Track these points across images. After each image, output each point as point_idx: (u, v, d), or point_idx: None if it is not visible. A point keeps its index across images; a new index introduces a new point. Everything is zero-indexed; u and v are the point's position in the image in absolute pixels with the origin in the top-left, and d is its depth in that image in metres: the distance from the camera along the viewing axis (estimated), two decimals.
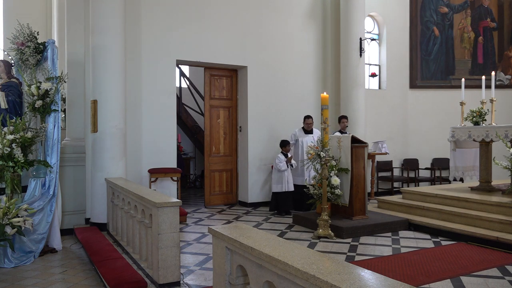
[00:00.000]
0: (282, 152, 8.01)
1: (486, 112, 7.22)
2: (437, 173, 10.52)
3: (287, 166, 7.88)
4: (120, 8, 6.75)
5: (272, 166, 8.49)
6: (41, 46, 5.94)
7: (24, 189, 5.61)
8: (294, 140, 8.37)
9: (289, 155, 7.95)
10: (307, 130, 8.39)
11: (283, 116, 9.17)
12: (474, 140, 7.00)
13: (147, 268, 4.49)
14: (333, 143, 6.75)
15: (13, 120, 5.45)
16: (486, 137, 6.72)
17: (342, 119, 8.69)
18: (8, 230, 4.71)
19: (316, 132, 8.20)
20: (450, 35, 11.22)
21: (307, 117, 8.42)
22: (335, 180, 6.39)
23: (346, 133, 8.38)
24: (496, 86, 7.96)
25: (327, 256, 2.27)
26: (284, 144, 8.04)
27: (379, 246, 5.70)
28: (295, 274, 2.02)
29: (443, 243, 5.82)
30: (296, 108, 9.24)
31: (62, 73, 6.09)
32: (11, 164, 5.22)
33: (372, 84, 10.87)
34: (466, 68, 11.19)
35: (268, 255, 2.24)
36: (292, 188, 7.99)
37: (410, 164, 10.69)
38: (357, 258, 5.14)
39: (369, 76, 10.54)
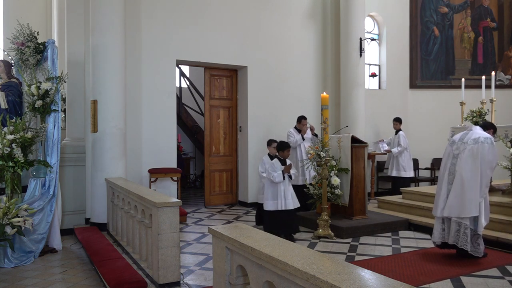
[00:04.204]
0: (277, 158, 6.18)
1: (486, 112, 7.23)
2: (437, 173, 10.46)
3: (284, 177, 5.98)
4: (120, 8, 6.75)
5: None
6: (41, 46, 5.94)
7: (24, 189, 5.61)
8: (295, 140, 7.80)
9: (288, 162, 6.16)
10: (300, 131, 7.94)
11: (283, 116, 9.16)
12: None
13: (147, 268, 4.50)
14: (333, 143, 6.75)
15: (13, 120, 5.45)
16: None
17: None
18: (8, 230, 4.71)
19: (308, 133, 8.06)
20: (450, 35, 11.22)
21: (303, 118, 7.98)
22: (335, 180, 6.39)
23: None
24: (496, 86, 7.96)
25: (327, 256, 2.27)
26: (284, 148, 6.14)
27: (379, 246, 5.70)
28: (295, 274, 2.02)
29: None
30: (296, 108, 9.21)
31: (62, 73, 6.09)
32: (11, 164, 5.22)
33: (372, 84, 10.87)
34: (466, 68, 11.19)
35: (268, 255, 2.24)
36: (291, 206, 6.05)
37: None
38: (357, 258, 5.14)
39: (369, 76, 10.54)
